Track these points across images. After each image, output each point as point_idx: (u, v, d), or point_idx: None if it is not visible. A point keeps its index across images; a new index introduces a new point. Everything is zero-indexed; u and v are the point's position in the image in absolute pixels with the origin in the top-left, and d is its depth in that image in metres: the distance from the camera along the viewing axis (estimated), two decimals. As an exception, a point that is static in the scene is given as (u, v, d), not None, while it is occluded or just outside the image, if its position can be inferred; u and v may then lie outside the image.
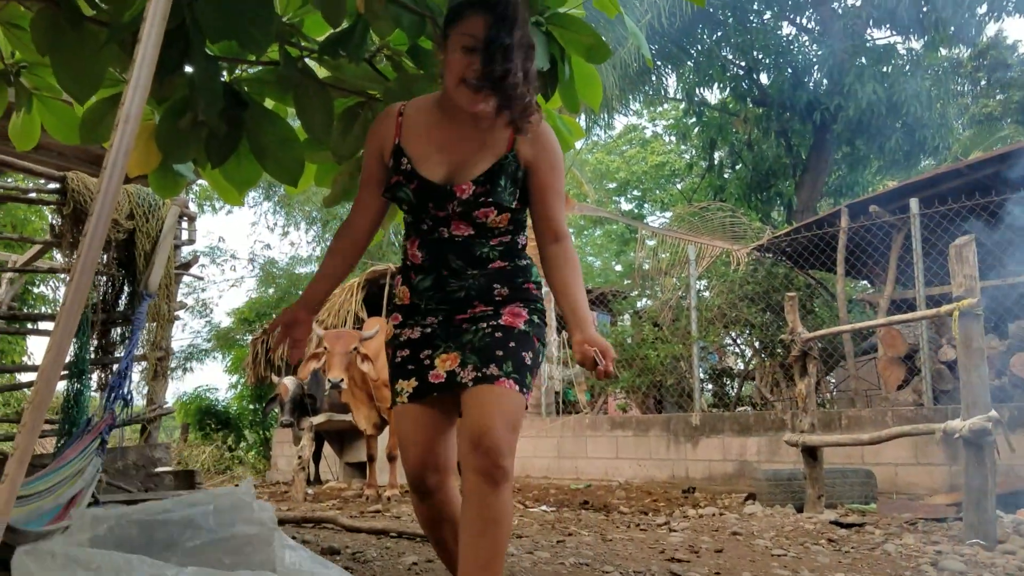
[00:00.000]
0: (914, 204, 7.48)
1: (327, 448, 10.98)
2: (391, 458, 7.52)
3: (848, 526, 4.95)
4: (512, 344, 2.13)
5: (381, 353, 6.63)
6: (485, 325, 2.16)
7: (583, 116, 13.52)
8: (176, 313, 5.80)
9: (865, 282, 11.23)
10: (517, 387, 2.07)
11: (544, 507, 6.46)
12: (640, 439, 8.71)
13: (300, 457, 7.77)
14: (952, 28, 14.37)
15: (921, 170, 15.33)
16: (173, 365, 19.09)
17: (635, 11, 11.90)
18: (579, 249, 26.20)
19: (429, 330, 2.20)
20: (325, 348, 7.07)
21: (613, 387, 10.05)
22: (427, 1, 2.30)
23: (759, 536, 4.61)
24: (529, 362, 2.13)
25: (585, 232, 26.71)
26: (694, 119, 18.28)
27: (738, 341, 10.54)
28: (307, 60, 2.48)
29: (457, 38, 2.03)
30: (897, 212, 7.99)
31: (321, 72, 2.52)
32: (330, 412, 9.22)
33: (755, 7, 16.74)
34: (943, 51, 17.15)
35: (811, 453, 5.72)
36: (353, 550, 3.90)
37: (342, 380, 6.93)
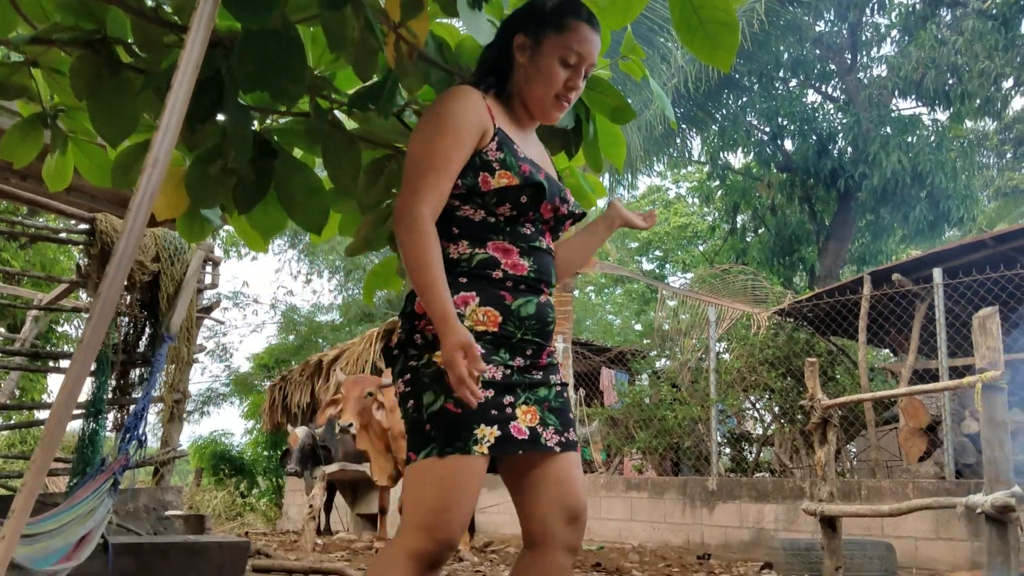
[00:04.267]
0: (938, 274, 7.43)
1: (339, 499, 10.90)
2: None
3: (866, 601, 4.82)
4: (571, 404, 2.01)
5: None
6: (556, 379, 1.93)
7: (606, 175, 13.63)
8: (195, 356, 5.84)
9: (887, 351, 11.11)
10: None
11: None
12: (655, 502, 8.58)
13: (311, 506, 7.72)
14: (978, 101, 14.45)
15: (945, 240, 15.28)
16: (190, 408, 19.15)
17: (661, 75, 12.06)
18: (599, 307, 26.19)
19: (509, 371, 1.84)
20: (342, 393, 7.04)
21: (629, 447, 9.94)
22: (457, 60, 2.34)
23: (774, 607, 4.51)
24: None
25: (606, 290, 26.72)
26: (717, 182, 18.40)
27: (757, 406, 10.42)
28: (336, 112, 2.52)
29: (558, 48, 1.86)
30: (920, 281, 7.94)
31: (350, 124, 2.56)
32: (344, 461, 9.15)
33: (781, 75, 16.95)
34: (969, 123, 17.22)
35: (830, 523, 5.59)
36: (359, 604, 3.85)
37: (351, 424, 6.85)
